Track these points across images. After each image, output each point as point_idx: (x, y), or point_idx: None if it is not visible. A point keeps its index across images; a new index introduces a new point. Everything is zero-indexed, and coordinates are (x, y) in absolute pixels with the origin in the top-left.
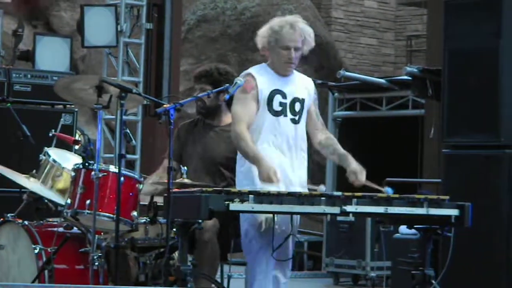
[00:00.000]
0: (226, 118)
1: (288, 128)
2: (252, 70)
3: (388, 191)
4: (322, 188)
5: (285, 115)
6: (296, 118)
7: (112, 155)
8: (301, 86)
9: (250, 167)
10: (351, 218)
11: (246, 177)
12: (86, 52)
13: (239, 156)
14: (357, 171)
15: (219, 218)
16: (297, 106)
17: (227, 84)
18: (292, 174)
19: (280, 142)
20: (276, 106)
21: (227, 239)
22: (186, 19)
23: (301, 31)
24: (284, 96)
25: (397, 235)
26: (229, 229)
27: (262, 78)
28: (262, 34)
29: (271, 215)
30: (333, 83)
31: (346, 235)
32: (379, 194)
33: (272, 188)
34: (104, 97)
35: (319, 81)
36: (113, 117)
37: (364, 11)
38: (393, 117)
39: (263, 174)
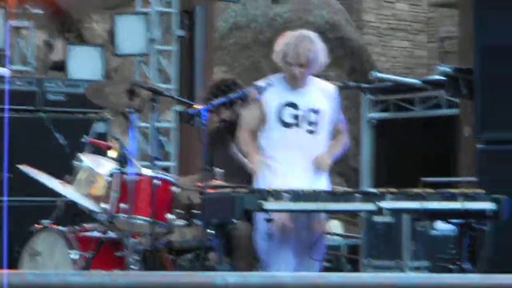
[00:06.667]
0: None
1: (303, 140)
2: (262, 82)
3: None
4: None
5: (299, 126)
6: (313, 129)
7: (147, 163)
8: (318, 95)
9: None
10: (388, 219)
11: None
12: (119, 63)
13: None
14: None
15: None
16: (313, 117)
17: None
18: (308, 185)
19: (291, 154)
20: (287, 118)
21: None
22: (218, 27)
23: (304, 51)
24: (296, 107)
25: (434, 232)
26: None
27: (271, 90)
28: (275, 48)
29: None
30: (366, 85)
31: (383, 236)
32: (415, 190)
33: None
34: (136, 101)
35: (353, 84)
36: (148, 124)
37: (396, 14)
38: (427, 117)
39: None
